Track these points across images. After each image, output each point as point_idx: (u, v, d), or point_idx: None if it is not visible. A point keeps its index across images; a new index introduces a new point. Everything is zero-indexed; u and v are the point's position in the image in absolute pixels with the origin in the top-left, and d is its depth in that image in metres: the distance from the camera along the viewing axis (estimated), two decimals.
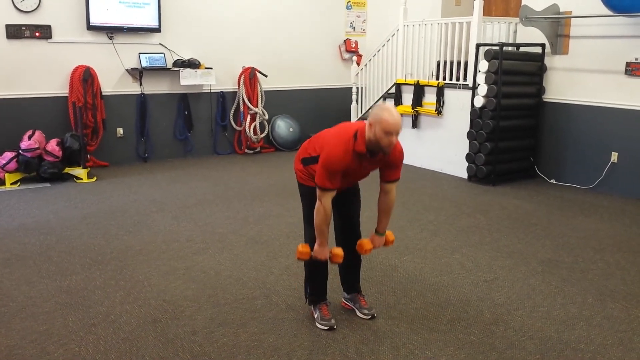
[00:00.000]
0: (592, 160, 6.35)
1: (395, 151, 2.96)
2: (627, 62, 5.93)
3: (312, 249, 3.11)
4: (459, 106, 6.92)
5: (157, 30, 7.47)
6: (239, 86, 8.15)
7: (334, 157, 2.87)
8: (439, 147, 7.27)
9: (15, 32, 6.66)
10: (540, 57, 6.63)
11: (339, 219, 3.28)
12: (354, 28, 9.21)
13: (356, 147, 2.87)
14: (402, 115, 7.54)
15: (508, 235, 4.83)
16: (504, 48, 6.29)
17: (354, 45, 9.11)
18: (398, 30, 7.66)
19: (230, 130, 8.33)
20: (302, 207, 3.26)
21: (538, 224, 5.15)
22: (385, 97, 7.97)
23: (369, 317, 3.30)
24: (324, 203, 2.92)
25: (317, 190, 2.94)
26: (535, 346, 3.03)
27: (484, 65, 6.35)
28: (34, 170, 6.37)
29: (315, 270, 3.24)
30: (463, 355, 2.93)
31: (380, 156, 2.94)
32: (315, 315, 3.26)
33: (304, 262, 3.24)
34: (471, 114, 6.59)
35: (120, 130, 7.52)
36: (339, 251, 3.11)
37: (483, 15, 6.69)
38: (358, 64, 8.64)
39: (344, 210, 3.27)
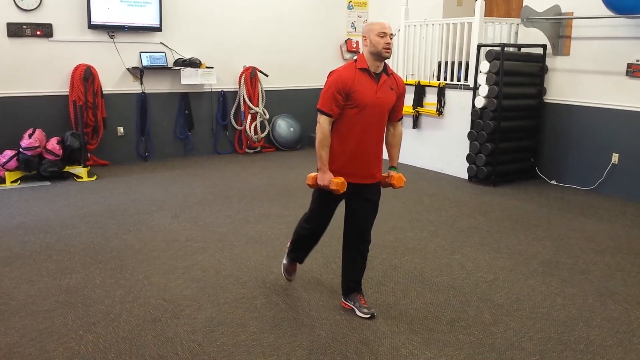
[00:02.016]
0: (593, 162, 6.35)
1: (398, 77, 3.24)
2: (628, 64, 5.93)
3: (308, 225, 3.38)
4: (460, 107, 6.92)
5: (158, 29, 7.46)
6: (239, 85, 8.14)
7: (336, 74, 3.07)
8: (440, 147, 7.26)
9: (16, 30, 6.65)
10: (541, 58, 6.62)
11: (352, 225, 3.28)
12: (355, 28, 9.20)
13: (358, 65, 3.08)
14: (402, 115, 7.63)
15: (508, 236, 4.83)
16: (505, 49, 6.29)
17: (355, 45, 9.11)
18: (399, 30, 7.65)
19: (230, 129, 8.33)
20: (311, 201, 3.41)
21: (538, 225, 5.15)
22: None
23: (369, 316, 3.29)
24: (322, 125, 3.09)
25: (318, 115, 3.10)
26: (535, 347, 3.03)
27: (485, 65, 6.34)
28: (35, 168, 6.37)
29: (303, 241, 3.51)
30: (463, 356, 2.93)
31: (384, 78, 3.11)
32: (284, 262, 3.65)
33: (295, 229, 3.51)
34: (472, 114, 6.59)
35: (120, 129, 7.52)
36: (339, 180, 3.09)
37: (484, 15, 6.70)
38: None
39: (359, 218, 3.27)
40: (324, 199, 3.26)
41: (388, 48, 3.02)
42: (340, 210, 3.39)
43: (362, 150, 3.14)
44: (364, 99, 3.05)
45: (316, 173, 3.19)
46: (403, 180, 3.35)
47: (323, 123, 3.08)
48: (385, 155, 3.28)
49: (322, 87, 3.14)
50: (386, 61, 3.15)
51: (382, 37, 3.01)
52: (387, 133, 3.34)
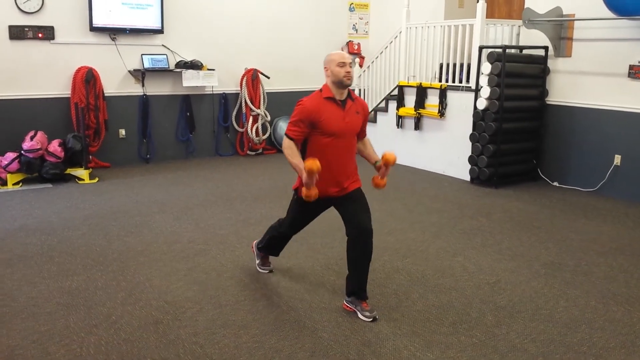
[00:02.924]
0: (595, 163, 6.34)
1: (362, 101, 3.48)
2: (630, 65, 5.92)
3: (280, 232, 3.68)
4: (462, 108, 6.91)
5: (160, 31, 7.47)
6: (241, 88, 8.15)
7: (302, 104, 3.27)
8: (442, 149, 7.26)
9: (18, 33, 6.67)
10: (543, 60, 6.62)
11: (355, 226, 3.27)
12: (357, 30, 9.21)
13: (323, 94, 3.29)
14: (404, 117, 7.64)
15: (511, 237, 4.82)
16: (507, 50, 6.28)
17: (356, 47, 9.12)
18: (401, 32, 7.66)
19: (232, 131, 8.33)
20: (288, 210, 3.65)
21: (541, 226, 5.14)
22: (387, 99, 7.97)
23: (371, 319, 3.29)
24: (286, 144, 3.28)
25: (284, 138, 3.31)
26: (537, 349, 3.02)
27: (486, 67, 6.34)
28: (36, 170, 6.37)
29: (277, 241, 3.79)
30: (465, 358, 2.92)
31: (349, 103, 3.32)
32: (257, 262, 3.98)
33: (270, 233, 3.77)
34: (474, 116, 6.58)
35: (122, 131, 7.53)
36: (309, 162, 3.12)
37: (486, 17, 6.69)
38: (361, 66, 8.66)
39: (358, 218, 3.28)
40: (303, 209, 3.46)
41: (348, 76, 3.23)
42: (335, 214, 3.40)
43: (337, 171, 3.31)
44: (332, 127, 3.25)
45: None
46: (394, 155, 3.42)
47: (287, 144, 3.27)
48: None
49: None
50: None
51: (342, 66, 3.23)
52: (358, 147, 3.52)
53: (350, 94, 3.36)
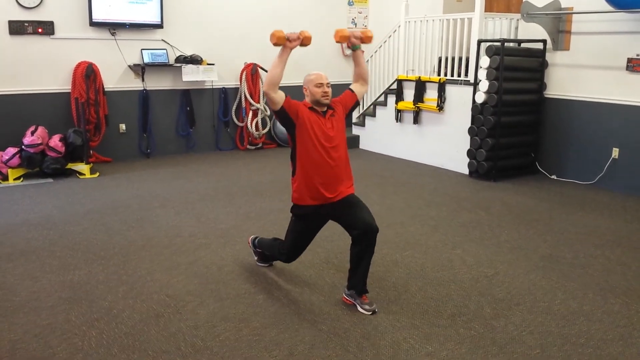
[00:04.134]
0: (593, 156, 6.36)
1: (334, 100, 3.50)
2: (628, 58, 5.93)
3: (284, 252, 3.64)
4: (461, 102, 6.93)
5: (160, 26, 7.47)
6: (240, 82, 8.16)
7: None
8: (440, 143, 7.27)
9: (17, 28, 6.67)
10: (541, 53, 6.62)
11: (359, 226, 3.27)
12: (356, 24, 9.20)
13: (305, 105, 3.41)
14: (403, 111, 7.65)
15: (509, 230, 4.85)
16: (506, 44, 6.29)
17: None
18: (399, 26, 7.66)
19: (232, 126, 8.35)
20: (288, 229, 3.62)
21: (539, 219, 5.16)
22: (386, 93, 7.98)
23: (370, 312, 3.31)
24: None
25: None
26: (535, 341, 3.04)
27: (485, 61, 6.34)
28: (37, 165, 6.39)
29: (273, 260, 3.90)
30: (464, 350, 2.95)
31: (329, 112, 3.42)
32: (255, 258, 4.02)
33: (272, 249, 3.75)
34: (472, 110, 6.59)
35: (122, 126, 7.54)
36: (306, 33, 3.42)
37: (484, 11, 6.70)
38: None
39: (361, 218, 3.29)
40: (302, 227, 3.50)
41: (326, 96, 3.36)
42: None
43: (329, 175, 3.34)
44: (315, 128, 3.32)
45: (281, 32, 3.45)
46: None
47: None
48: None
49: None
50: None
51: (319, 87, 3.36)
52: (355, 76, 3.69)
53: (329, 106, 3.46)
